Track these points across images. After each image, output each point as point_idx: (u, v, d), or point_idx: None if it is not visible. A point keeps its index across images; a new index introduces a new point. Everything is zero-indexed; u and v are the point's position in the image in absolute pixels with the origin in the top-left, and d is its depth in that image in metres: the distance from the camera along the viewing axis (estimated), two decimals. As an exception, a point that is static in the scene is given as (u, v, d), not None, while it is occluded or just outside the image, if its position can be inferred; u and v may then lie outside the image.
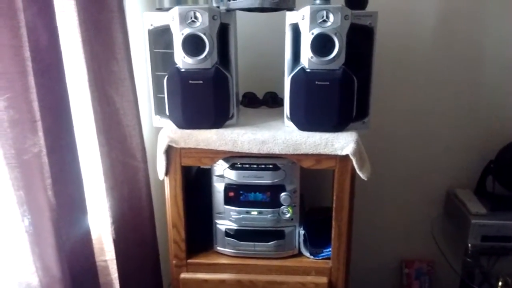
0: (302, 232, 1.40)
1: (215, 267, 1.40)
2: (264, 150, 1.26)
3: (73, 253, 1.11)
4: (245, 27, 1.42)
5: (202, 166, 1.53)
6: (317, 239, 1.43)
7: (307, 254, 1.41)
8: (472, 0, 1.62)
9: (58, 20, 1.00)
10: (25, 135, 0.93)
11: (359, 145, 1.24)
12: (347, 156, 1.25)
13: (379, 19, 1.22)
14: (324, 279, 1.37)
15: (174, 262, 1.40)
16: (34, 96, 0.92)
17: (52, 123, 0.98)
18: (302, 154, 1.27)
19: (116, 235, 1.32)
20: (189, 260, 1.40)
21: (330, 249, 1.37)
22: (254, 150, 1.26)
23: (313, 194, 1.65)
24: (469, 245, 1.59)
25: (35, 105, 0.92)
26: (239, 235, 1.39)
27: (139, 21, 1.45)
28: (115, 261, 1.32)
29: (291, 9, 1.25)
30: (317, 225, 1.46)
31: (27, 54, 0.89)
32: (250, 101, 1.55)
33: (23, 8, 0.87)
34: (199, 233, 1.43)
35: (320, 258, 1.40)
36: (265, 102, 1.56)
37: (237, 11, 1.29)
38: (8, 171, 0.91)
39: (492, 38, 1.65)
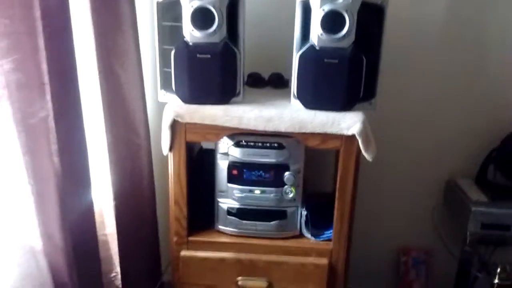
0: (304, 213, 1.40)
1: (215, 245, 1.40)
2: (270, 127, 1.25)
3: (76, 223, 1.10)
4: (252, 5, 1.40)
5: (205, 144, 1.53)
6: (319, 221, 1.43)
7: (308, 236, 1.41)
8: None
9: (68, -16, 0.99)
10: (32, 98, 0.92)
11: (366, 125, 1.24)
12: (353, 136, 1.24)
13: (391, 2, 1.21)
14: (324, 261, 1.37)
15: (174, 239, 1.39)
16: (43, 58, 0.91)
17: (60, 87, 0.97)
18: (308, 133, 1.26)
19: (117, 210, 1.31)
20: (189, 238, 1.39)
21: (331, 231, 1.37)
22: (260, 127, 1.25)
23: (315, 179, 1.65)
24: (468, 233, 1.59)
25: (44, 67, 0.91)
26: (241, 214, 1.38)
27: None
28: (115, 236, 1.32)
29: (302, -14, 1.24)
30: (318, 208, 1.46)
31: (38, 14, 0.88)
32: (255, 81, 1.54)
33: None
34: (200, 211, 1.42)
35: (321, 239, 1.40)
36: (270, 83, 1.55)
37: (246, -13, 1.28)
38: (14, 135, 0.89)
39: (496, 30, 1.65)
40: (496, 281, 1.46)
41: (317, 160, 1.66)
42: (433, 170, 1.82)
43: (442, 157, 1.80)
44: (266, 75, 1.56)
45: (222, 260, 1.38)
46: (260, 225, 1.39)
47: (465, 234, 1.62)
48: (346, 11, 1.17)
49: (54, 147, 0.97)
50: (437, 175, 1.82)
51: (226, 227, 1.41)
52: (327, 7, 1.17)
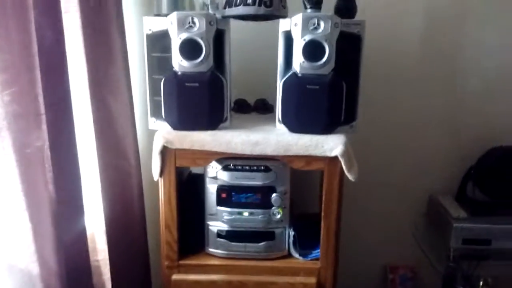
0: (292, 233, 1.44)
1: (206, 268, 1.42)
2: (257, 151, 1.31)
3: (70, 249, 1.12)
4: (237, 35, 1.47)
5: (194, 169, 1.57)
6: (306, 241, 1.47)
7: (296, 255, 1.44)
8: (454, 16, 1.72)
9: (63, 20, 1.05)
10: (29, 129, 0.96)
11: (348, 147, 1.30)
12: (336, 157, 1.30)
13: (368, 28, 1.29)
14: (312, 280, 1.40)
15: (166, 263, 1.42)
16: (39, 90, 0.95)
17: (55, 118, 1.01)
18: (293, 156, 1.32)
19: (108, 236, 1.33)
20: (180, 262, 1.42)
21: (319, 250, 1.41)
22: (247, 151, 1.31)
23: (302, 200, 1.69)
24: (451, 248, 1.65)
25: (40, 99, 0.96)
26: (231, 236, 1.42)
27: (137, 26, 1.51)
28: (107, 262, 1.34)
29: (283, 17, 1.32)
30: (306, 228, 1.50)
31: (35, 49, 0.93)
32: (241, 107, 1.60)
33: (32, 6, 0.91)
34: (190, 235, 1.45)
35: (309, 259, 1.43)
36: (256, 109, 1.61)
37: (231, 20, 1.35)
38: (13, 164, 0.93)
39: (473, 50, 1.75)
40: (479, 294, 1.51)
41: (303, 182, 1.71)
42: (415, 189, 1.88)
43: (423, 176, 1.87)
44: (252, 101, 1.63)
45: (213, 282, 1.41)
46: (249, 247, 1.42)
47: (448, 250, 1.68)
48: (326, 40, 1.24)
49: (49, 175, 1.00)
50: (419, 193, 1.89)
51: (216, 249, 1.44)
52: (307, 37, 1.25)
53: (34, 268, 0.96)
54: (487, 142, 1.74)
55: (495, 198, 1.71)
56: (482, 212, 1.69)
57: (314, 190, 1.68)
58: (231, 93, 1.40)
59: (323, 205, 1.37)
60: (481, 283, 1.50)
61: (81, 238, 1.20)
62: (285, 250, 1.46)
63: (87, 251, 1.24)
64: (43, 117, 0.97)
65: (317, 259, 1.42)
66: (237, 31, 1.43)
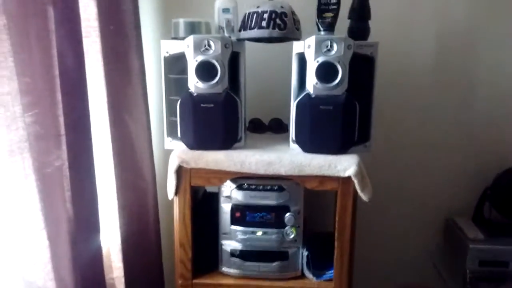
0: (305, 253, 1.44)
1: (220, 287, 1.43)
2: (270, 171, 1.32)
3: (86, 267, 1.15)
4: (253, 56, 1.50)
5: (210, 187, 1.59)
6: (320, 262, 1.46)
7: (310, 276, 1.44)
8: (468, 37, 1.72)
9: (83, 44, 1.09)
10: (49, 149, 0.99)
11: (361, 167, 1.31)
12: (349, 177, 1.30)
13: (382, 49, 1.31)
14: (326, 300, 1.40)
15: (180, 282, 1.43)
16: (60, 111, 0.99)
17: (75, 138, 1.05)
18: (306, 176, 1.32)
19: (124, 254, 1.36)
20: (194, 281, 1.43)
21: (333, 271, 1.40)
22: (261, 171, 1.32)
23: (316, 219, 1.70)
24: (468, 270, 1.63)
25: (61, 120, 0.99)
26: (244, 255, 1.43)
27: (154, 49, 1.55)
28: (123, 279, 1.36)
29: (297, 39, 1.34)
30: (320, 248, 1.50)
31: (57, 72, 0.97)
32: (256, 126, 1.62)
33: (54, 30, 0.95)
34: (204, 254, 1.46)
35: (323, 279, 1.43)
36: (270, 128, 1.62)
37: (247, 42, 1.38)
38: (33, 184, 0.95)
39: (487, 70, 1.75)
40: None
41: (318, 200, 1.72)
42: (431, 209, 1.87)
43: (439, 196, 1.86)
44: (266, 120, 1.64)
45: (226, 301, 1.42)
46: (263, 266, 1.43)
47: (464, 272, 1.66)
48: (339, 62, 1.26)
49: (68, 194, 1.03)
50: (435, 214, 1.87)
51: (229, 268, 1.44)
52: (321, 59, 1.27)
53: (51, 285, 0.98)
54: (503, 162, 1.73)
55: (512, 219, 1.69)
56: (499, 233, 1.66)
57: (328, 209, 1.67)
58: (246, 113, 1.43)
59: (336, 226, 1.37)
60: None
61: (97, 256, 1.23)
62: (298, 270, 1.45)
63: (102, 268, 1.27)
64: (63, 138, 1.00)
65: (330, 280, 1.41)
66: (252, 53, 1.46)
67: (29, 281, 0.96)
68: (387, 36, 1.51)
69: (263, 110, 1.65)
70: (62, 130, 0.99)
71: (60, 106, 0.98)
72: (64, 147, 1.00)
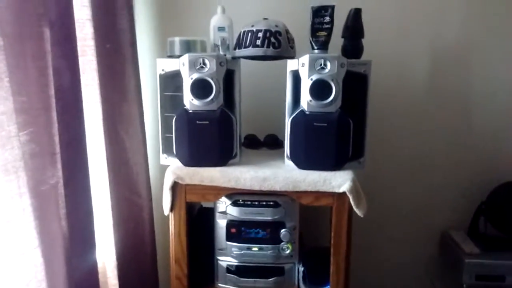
0: (301, 268, 1.44)
1: (216, 303, 1.43)
2: (266, 187, 1.33)
3: (81, 284, 1.15)
4: (249, 74, 1.52)
5: (205, 203, 1.60)
6: (316, 277, 1.46)
7: (306, 291, 1.44)
8: (460, 52, 1.74)
9: (79, 63, 1.10)
10: (44, 167, 1.00)
11: (356, 183, 1.31)
12: (344, 193, 1.31)
13: (374, 67, 1.33)
14: (323, 316, 1.39)
15: (175, 298, 1.43)
16: (55, 130, 1.00)
17: (70, 156, 1.06)
18: (301, 191, 1.33)
19: (119, 270, 1.36)
20: (190, 297, 1.43)
21: (329, 286, 1.40)
22: (256, 187, 1.33)
23: (312, 234, 1.70)
24: (464, 285, 1.63)
25: (56, 138, 1.00)
26: (240, 271, 1.43)
27: (150, 67, 1.57)
28: (118, 296, 1.35)
29: (291, 57, 1.36)
30: (316, 263, 1.50)
31: (52, 92, 0.98)
32: (252, 142, 1.63)
33: (51, 51, 0.96)
34: (200, 270, 1.47)
35: (319, 295, 1.43)
36: (265, 144, 1.64)
37: (242, 60, 1.40)
38: (27, 202, 0.96)
39: (480, 85, 1.76)
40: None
41: (314, 215, 1.72)
42: (427, 223, 1.87)
43: (435, 211, 1.86)
44: (262, 136, 1.66)
45: (222, 318, 1.41)
46: (259, 282, 1.43)
47: (461, 286, 1.65)
48: (332, 80, 1.28)
49: (63, 211, 1.04)
50: (431, 229, 1.87)
51: (225, 284, 1.44)
52: (314, 77, 1.28)
53: (46, 304, 0.99)
54: (498, 177, 1.74)
55: (507, 234, 1.69)
56: (495, 247, 1.67)
57: (324, 224, 1.68)
58: (241, 130, 1.44)
59: (332, 241, 1.37)
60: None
61: (92, 272, 1.23)
62: (294, 285, 1.45)
63: (98, 285, 1.27)
64: (58, 156, 1.01)
65: (327, 295, 1.41)
66: (247, 70, 1.48)
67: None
68: (380, 54, 1.54)
69: (259, 126, 1.66)
70: (57, 149, 1.00)
71: (56, 124, 0.99)
72: (59, 165, 1.01)
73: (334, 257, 1.38)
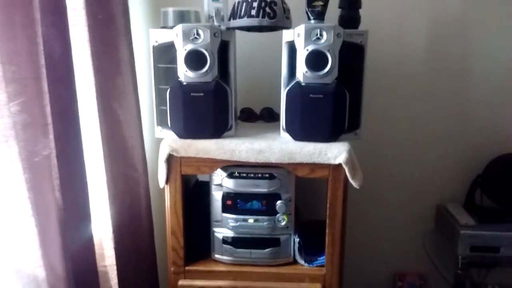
0: (297, 240, 1.45)
1: (212, 274, 1.44)
2: (261, 159, 1.32)
3: (77, 255, 1.16)
4: (244, 46, 1.50)
5: (201, 177, 1.60)
6: (312, 248, 1.48)
7: (302, 262, 1.45)
8: (459, 21, 1.72)
9: (70, 33, 1.08)
10: (36, 138, 0.99)
11: (351, 154, 1.31)
12: (340, 165, 1.31)
13: (371, 37, 1.31)
14: (318, 286, 1.41)
15: (172, 269, 1.44)
16: (46, 101, 0.99)
17: (62, 127, 1.05)
18: (297, 163, 1.33)
19: (116, 242, 1.36)
20: (187, 268, 1.44)
21: (324, 257, 1.42)
22: (252, 159, 1.32)
23: (308, 208, 1.71)
24: (459, 256, 1.64)
25: (47, 109, 0.99)
26: (236, 242, 1.44)
27: (143, 37, 1.55)
28: (115, 267, 1.37)
29: (287, 28, 1.34)
30: (311, 235, 1.51)
31: (42, 61, 0.96)
32: (248, 116, 1.62)
33: (40, 19, 0.94)
34: (197, 241, 1.48)
35: (314, 265, 1.44)
36: (261, 117, 1.63)
37: (237, 31, 1.38)
38: (20, 172, 0.96)
39: (478, 58, 1.75)
40: (487, 302, 1.50)
41: (310, 189, 1.73)
42: (423, 196, 1.88)
43: (431, 183, 1.87)
44: (258, 110, 1.65)
45: (219, 288, 1.43)
46: (255, 253, 1.44)
47: (456, 258, 1.67)
48: (328, 50, 1.26)
49: (56, 182, 1.04)
50: (427, 201, 1.88)
51: (222, 256, 1.46)
52: (310, 47, 1.27)
53: (40, 273, 0.99)
54: (495, 149, 1.74)
55: (503, 206, 1.70)
56: (490, 219, 1.68)
57: (320, 197, 1.69)
58: (236, 102, 1.43)
59: (327, 212, 1.38)
60: (488, 291, 1.49)
61: (88, 244, 1.24)
62: (290, 256, 1.47)
63: (94, 256, 1.27)
64: (51, 127, 1.00)
65: (322, 266, 1.43)
66: (242, 42, 1.46)
67: (18, 268, 0.97)
68: (378, 24, 1.51)
69: (255, 99, 1.65)
70: (49, 119, 0.99)
71: (47, 95, 0.98)
72: (51, 136, 1.00)
73: (330, 229, 1.39)
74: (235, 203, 1.41)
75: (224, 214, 1.42)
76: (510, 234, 1.61)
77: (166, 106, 1.33)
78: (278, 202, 1.40)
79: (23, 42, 0.93)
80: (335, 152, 1.31)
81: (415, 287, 1.93)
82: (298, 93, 1.31)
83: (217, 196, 1.42)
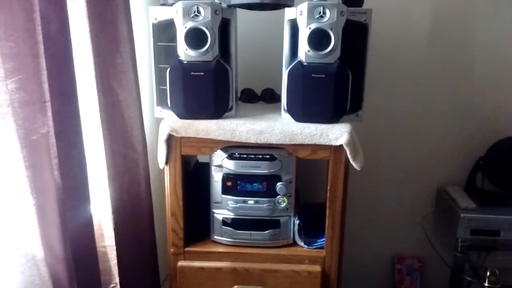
0: (297, 222, 1.45)
1: (211, 255, 1.44)
2: (262, 140, 1.31)
3: (76, 235, 1.15)
4: (245, 25, 1.47)
5: (201, 158, 1.59)
6: (311, 230, 1.47)
7: (301, 244, 1.45)
8: (464, 3, 1.69)
9: (68, 9, 1.06)
10: (35, 116, 0.97)
11: (353, 136, 1.30)
12: (341, 146, 1.30)
13: (375, 17, 1.28)
14: (317, 268, 1.41)
15: (172, 250, 1.44)
16: (44, 78, 0.96)
17: (61, 105, 1.03)
18: (298, 144, 1.32)
19: (115, 223, 1.36)
20: (186, 249, 1.44)
21: (324, 239, 1.41)
22: (252, 139, 1.31)
23: (309, 189, 1.70)
24: (459, 239, 1.64)
25: (45, 86, 0.97)
26: (236, 224, 1.43)
27: (143, 15, 1.52)
28: (114, 248, 1.36)
29: (289, 6, 1.31)
30: (311, 217, 1.51)
31: (40, 37, 0.94)
32: (248, 96, 1.61)
33: (37, -6, 0.92)
34: (196, 222, 1.47)
35: (314, 247, 1.44)
36: (262, 98, 1.61)
37: (238, 10, 1.35)
38: (17, 150, 0.94)
39: (482, 39, 1.73)
40: (486, 284, 1.50)
41: (310, 171, 1.72)
42: (424, 178, 1.87)
43: (432, 166, 1.86)
44: (259, 90, 1.63)
45: (218, 269, 1.43)
46: (254, 235, 1.43)
47: (456, 241, 1.67)
48: (331, 29, 1.24)
49: (55, 161, 1.02)
50: (428, 184, 1.87)
51: (221, 237, 1.45)
52: (313, 26, 1.24)
53: (39, 252, 0.98)
54: (496, 132, 1.73)
55: (504, 189, 1.70)
56: (491, 203, 1.68)
57: (321, 180, 1.68)
58: (237, 82, 1.41)
59: (328, 194, 1.37)
60: (488, 273, 1.49)
61: (87, 224, 1.22)
62: (290, 238, 1.46)
63: (93, 237, 1.27)
64: (49, 105, 0.98)
65: (322, 248, 1.42)
66: (244, 21, 1.43)
67: (16, 247, 0.96)
68: (382, 3, 1.48)
69: (256, 80, 1.63)
70: (47, 97, 0.97)
71: (45, 72, 0.96)
72: (49, 113, 0.98)
73: (330, 210, 1.38)
74: (235, 184, 1.40)
75: (224, 196, 1.41)
76: (510, 217, 1.61)
77: (166, 85, 1.31)
78: (279, 183, 1.39)
79: (20, 17, 0.90)
80: (337, 134, 1.30)
81: (414, 269, 1.94)
82: (300, 72, 1.29)
83: (217, 177, 1.41)
